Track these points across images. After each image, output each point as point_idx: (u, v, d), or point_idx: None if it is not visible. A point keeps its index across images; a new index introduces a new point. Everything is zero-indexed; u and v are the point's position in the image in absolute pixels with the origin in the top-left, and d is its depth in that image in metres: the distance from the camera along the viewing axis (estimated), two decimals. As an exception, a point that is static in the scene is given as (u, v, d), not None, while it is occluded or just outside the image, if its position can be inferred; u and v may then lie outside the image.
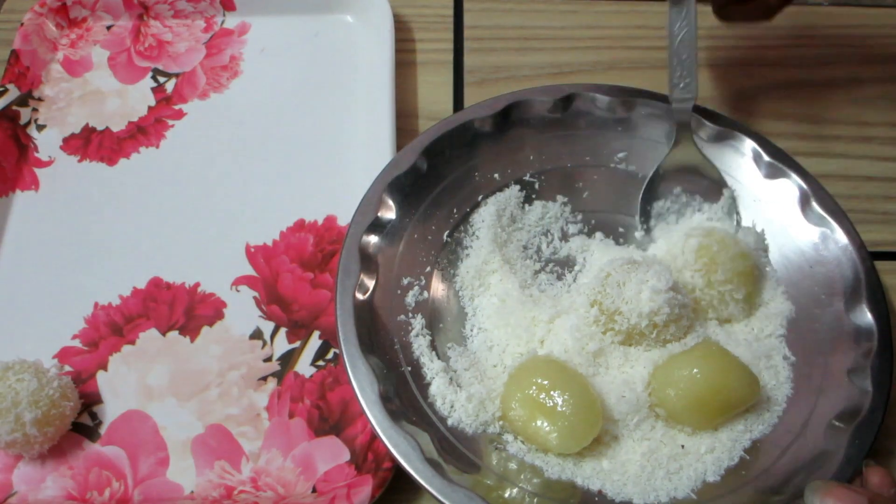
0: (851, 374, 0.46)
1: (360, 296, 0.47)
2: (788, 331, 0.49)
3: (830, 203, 0.51)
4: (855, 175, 0.60)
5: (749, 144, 0.53)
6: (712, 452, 0.45)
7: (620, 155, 0.55)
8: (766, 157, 0.53)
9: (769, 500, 0.42)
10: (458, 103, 0.64)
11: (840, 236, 0.50)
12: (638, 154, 0.55)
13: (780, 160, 0.53)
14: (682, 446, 0.45)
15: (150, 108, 0.63)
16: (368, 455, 0.47)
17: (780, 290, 0.50)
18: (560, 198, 0.55)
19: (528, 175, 0.55)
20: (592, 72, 0.66)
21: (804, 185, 0.52)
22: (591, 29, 0.68)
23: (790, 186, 0.52)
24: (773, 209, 0.53)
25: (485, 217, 0.52)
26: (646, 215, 0.54)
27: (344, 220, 0.57)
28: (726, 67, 0.66)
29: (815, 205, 0.51)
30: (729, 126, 0.54)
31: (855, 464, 0.42)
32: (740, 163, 0.54)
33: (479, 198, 0.54)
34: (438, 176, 0.53)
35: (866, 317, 0.47)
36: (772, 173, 0.53)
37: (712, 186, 0.53)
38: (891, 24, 0.69)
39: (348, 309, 0.46)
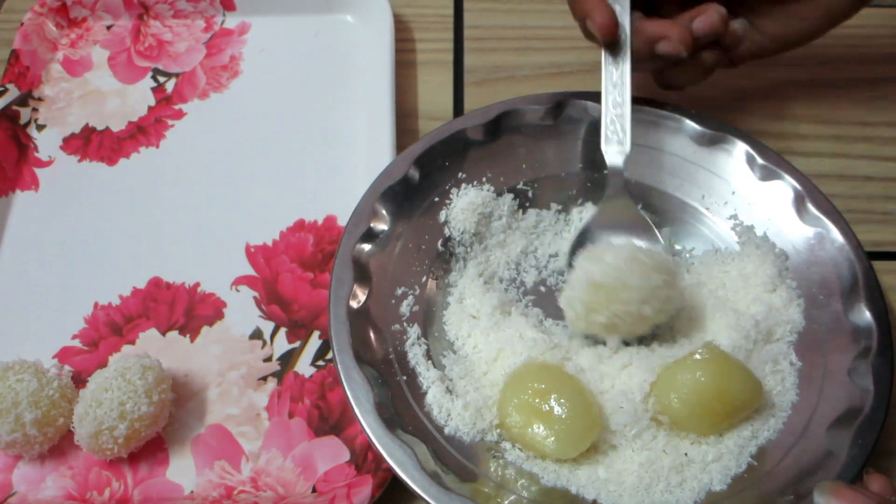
0: (852, 374, 0.46)
1: (353, 305, 0.47)
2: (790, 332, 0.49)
3: (825, 203, 0.51)
4: (855, 175, 0.60)
5: (741, 147, 0.53)
6: (719, 461, 0.44)
7: None
8: (759, 160, 0.53)
9: (774, 502, 0.42)
10: (458, 103, 0.64)
11: (836, 236, 0.50)
12: (631, 160, 0.54)
13: (773, 162, 0.52)
14: (686, 454, 0.44)
15: (150, 108, 0.63)
16: (368, 455, 0.47)
17: (797, 302, 0.50)
18: (554, 205, 0.55)
19: (522, 183, 0.55)
20: (593, 72, 0.65)
21: (798, 186, 0.51)
22: (591, 29, 0.68)
23: (784, 188, 0.52)
24: (768, 211, 0.52)
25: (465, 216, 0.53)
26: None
27: (344, 220, 0.57)
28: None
29: (809, 205, 0.51)
30: (720, 129, 0.54)
31: (859, 463, 0.42)
32: (733, 166, 0.54)
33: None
34: (431, 185, 0.53)
35: (865, 316, 0.47)
36: (765, 175, 0.53)
37: (645, 240, 0.51)
38: (891, 24, 0.69)
39: (342, 318, 0.46)
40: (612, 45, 0.51)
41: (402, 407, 0.45)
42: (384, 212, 0.51)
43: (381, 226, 0.50)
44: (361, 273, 0.48)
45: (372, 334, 0.47)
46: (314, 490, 0.47)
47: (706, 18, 0.50)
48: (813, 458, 0.43)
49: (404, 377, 0.47)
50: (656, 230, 0.51)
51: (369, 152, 0.58)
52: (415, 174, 0.52)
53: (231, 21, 0.68)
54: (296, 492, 0.47)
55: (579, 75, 0.65)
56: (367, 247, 0.49)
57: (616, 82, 0.51)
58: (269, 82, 0.65)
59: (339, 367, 0.44)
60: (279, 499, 0.46)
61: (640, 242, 0.50)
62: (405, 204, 0.52)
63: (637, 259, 0.46)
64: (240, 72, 0.65)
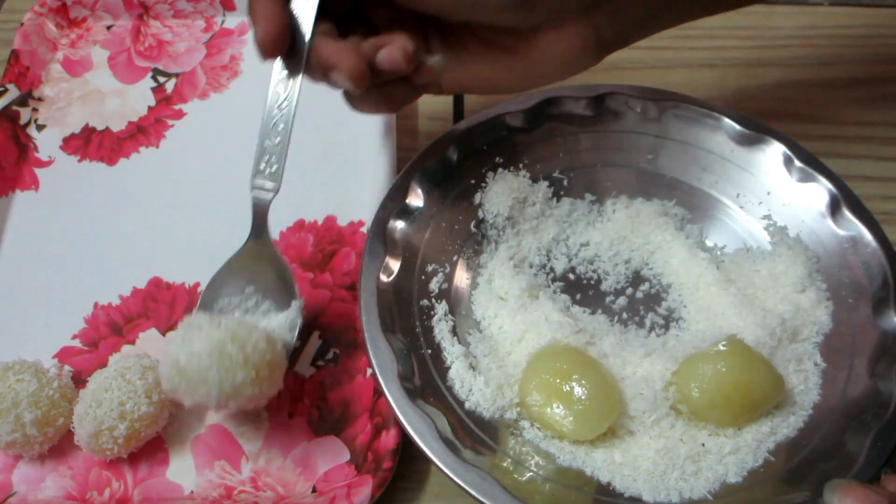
0: (877, 378, 0.46)
1: (384, 278, 0.47)
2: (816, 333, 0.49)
3: (860, 208, 0.51)
4: (855, 175, 0.60)
5: (779, 148, 0.53)
6: (736, 454, 0.44)
7: (650, 156, 0.55)
8: (796, 162, 0.52)
9: (787, 496, 0.42)
10: (458, 103, 0.64)
11: (869, 241, 0.50)
12: (667, 156, 0.55)
13: (810, 164, 0.52)
14: (703, 445, 0.45)
15: (150, 108, 0.63)
16: (368, 455, 0.47)
17: (825, 304, 0.50)
18: (588, 196, 0.55)
19: (558, 172, 0.55)
20: (592, 72, 0.65)
21: (834, 190, 0.51)
22: (591, 29, 0.68)
23: (820, 190, 0.52)
24: (803, 213, 0.52)
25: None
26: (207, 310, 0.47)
27: (344, 220, 0.57)
28: (726, 67, 0.66)
29: (844, 209, 0.51)
30: (759, 129, 0.54)
31: (876, 466, 0.42)
32: (770, 166, 0.53)
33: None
34: (468, 168, 0.53)
35: (893, 321, 0.47)
36: (802, 177, 0.53)
37: (284, 293, 0.47)
38: (891, 24, 0.69)
39: (371, 290, 0.46)
40: (273, 58, 0.44)
41: (425, 379, 0.45)
42: (420, 190, 0.51)
43: (417, 203, 0.51)
44: (394, 247, 0.49)
45: (400, 307, 0.48)
46: (314, 490, 0.47)
47: (388, 54, 0.42)
48: (831, 457, 0.43)
49: (429, 351, 0.47)
50: (293, 281, 0.47)
51: (369, 152, 0.58)
52: (453, 155, 0.52)
53: (231, 21, 0.68)
54: (296, 492, 0.47)
55: (579, 75, 0.65)
56: (401, 223, 0.50)
57: (282, 104, 0.46)
58: (269, 82, 0.64)
59: (366, 335, 0.45)
60: (279, 499, 0.46)
61: (256, 316, 0.46)
62: (441, 184, 0.52)
63: (225, 352, 0.41)
64: (240, 72, 0.65)
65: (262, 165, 0.46)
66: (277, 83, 0.45)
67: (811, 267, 0.50)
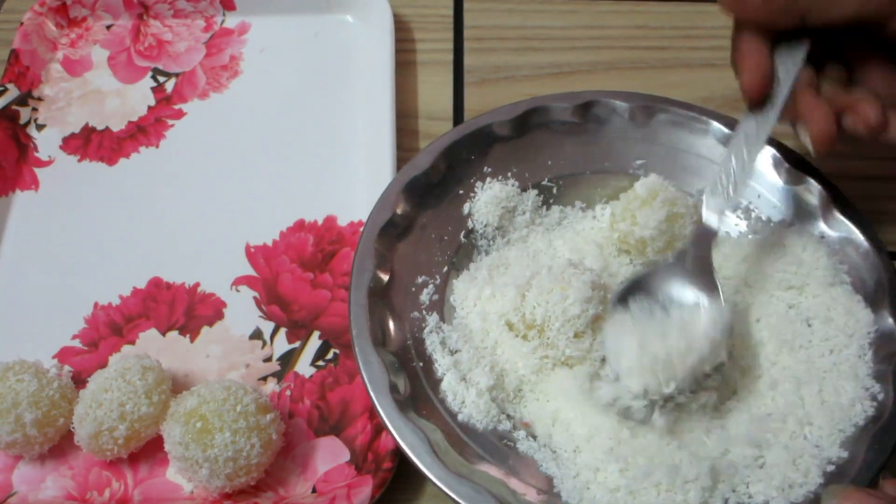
0: (874, 380, 0.45)
1: (374, 291, 0.47)
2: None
3: (851, 208, 0.51)
4: (855, 175, 0.60)
5: (768, 150, 0.53)
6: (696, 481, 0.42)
7: (639, 162, 0.55)
8: (786, 164, 0.53)
9: None
10: (458, 103, 0.64)
11: (861, 241, 0.50)
12: (657, 161, 0.54)
13: (799, 166, 0.52)
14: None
15: (149, 107, 0.63)
16: (368, 455, 0.47)
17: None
18: (578, 203, 0.55)
19: (546, 180, 0.54)
20: (592, 72, 0.66)
21: (824, 191, 0.51)
22: (591, 29, 0.68)
23: (810, 192, 0.52)
24: (793, 215, 0.52)
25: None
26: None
27: (344, 220, 0.57)
28: (726, 67, 0.66)
29: (835, 211, 0.51)
30: None
31: (874, 468, 0.42)
32: (760, 169, 0.53)
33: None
34: (456, 178, 0.53)
35: (888, 321, 0.47)
36: (792, 179, 0.53)
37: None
38: (891, 24, 0.69)
39: (362, 303, 0.46)
40: (757, 105, 0.46)
41: (417, 392, 0.45)
42: (409, 201, 0.51)
43: (405, 214, 0.51)
44: (383, 260, 0.49)
45: (391, 320, 0.47)
46: (314, 490, 0.47)
47: (852, 122, 0.45)
48: (828, 462, 0.43)
49: (420, 363, 0.47)
50: (721, 309, 0.45)
51: (369, 152, 0.59)
52: (440, 166, 0.52)
53: (231, 21, 0.68)
54: (296, 492, 0.47)
55: (579, 75, 0.65)
56: (389, 235, 0.50)
57: (750, 138, 0.47)
58: (269, 82, 0.65)
59: (356, 349, 0.45)
60: (279, 499, 0.46)
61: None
62: (430, 195, 0.52)
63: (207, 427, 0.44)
64: (240, 72, 0.65)
65: (719, 187, 0.47)
66: (748, 117, 0.47)
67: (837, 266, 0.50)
